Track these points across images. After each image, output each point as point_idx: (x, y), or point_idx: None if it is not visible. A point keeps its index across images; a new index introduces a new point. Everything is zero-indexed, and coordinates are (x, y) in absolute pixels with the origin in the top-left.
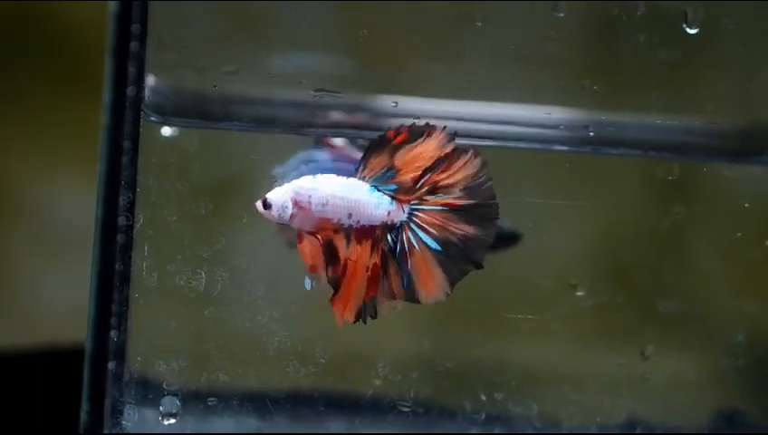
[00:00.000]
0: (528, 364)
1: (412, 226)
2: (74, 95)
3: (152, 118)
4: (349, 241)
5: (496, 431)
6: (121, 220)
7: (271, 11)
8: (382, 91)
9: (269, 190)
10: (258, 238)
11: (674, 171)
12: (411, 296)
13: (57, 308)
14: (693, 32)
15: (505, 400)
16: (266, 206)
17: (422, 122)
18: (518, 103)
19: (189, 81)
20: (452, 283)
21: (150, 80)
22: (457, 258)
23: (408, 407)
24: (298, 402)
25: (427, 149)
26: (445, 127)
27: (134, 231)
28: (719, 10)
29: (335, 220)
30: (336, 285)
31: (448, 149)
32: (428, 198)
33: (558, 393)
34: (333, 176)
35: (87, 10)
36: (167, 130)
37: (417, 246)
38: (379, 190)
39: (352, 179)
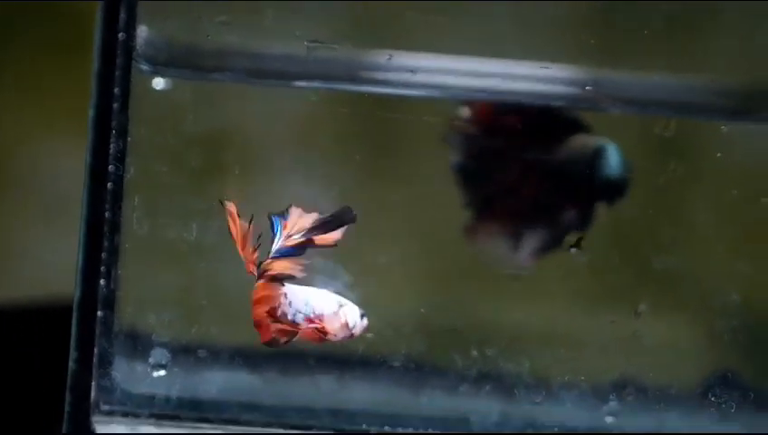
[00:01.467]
0: (521, 322)
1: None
2: (69, 61)
3: (144, 68)
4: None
5: (487, 388)
6: (111, 168)
7: None
8: (377, 44)
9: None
10: (251, 191)
11: (670, 128)
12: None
13: (52, 267)
14: None
15: (497, 356)
16: None
17: None
18: (516, 59)
19: (182, 31)
20: None
21: (143, 30)
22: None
23: (399, 363)
24: (288, 357)
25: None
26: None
27: (124, 181)
28: None
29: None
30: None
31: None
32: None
33: (550, 350)
34: None
35: None
36: (159, 82)
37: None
38: None
39: None
